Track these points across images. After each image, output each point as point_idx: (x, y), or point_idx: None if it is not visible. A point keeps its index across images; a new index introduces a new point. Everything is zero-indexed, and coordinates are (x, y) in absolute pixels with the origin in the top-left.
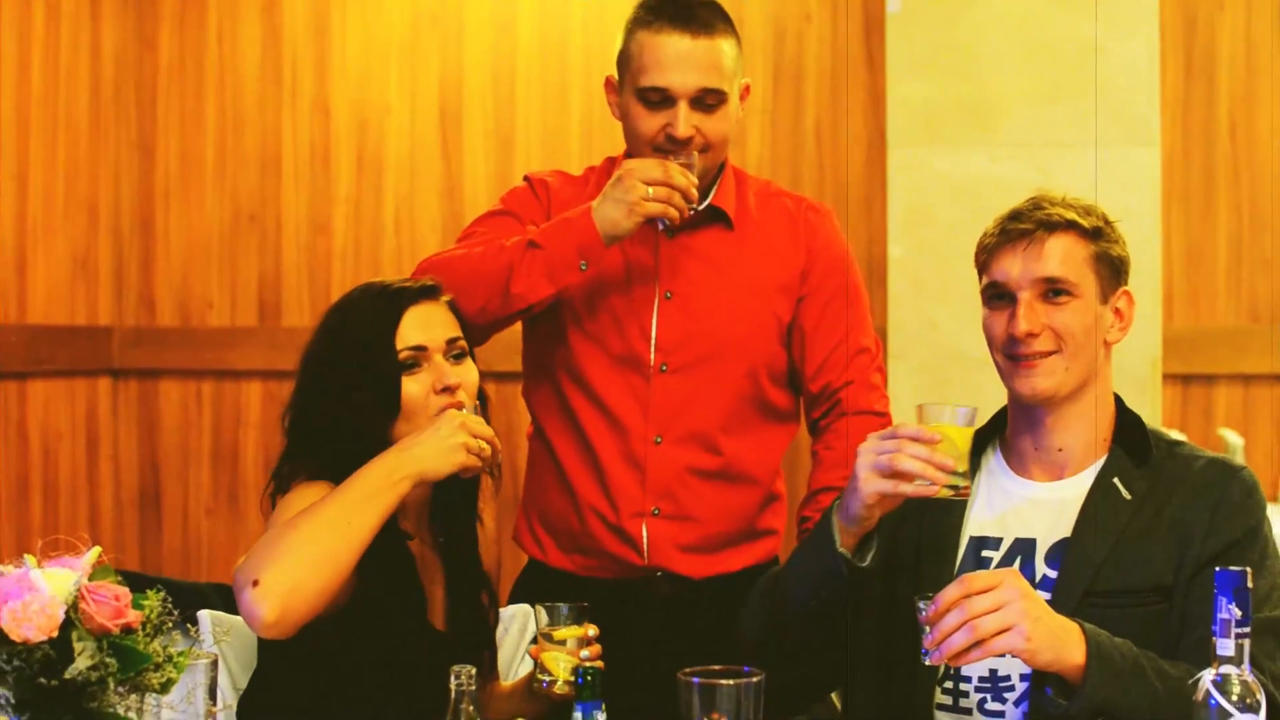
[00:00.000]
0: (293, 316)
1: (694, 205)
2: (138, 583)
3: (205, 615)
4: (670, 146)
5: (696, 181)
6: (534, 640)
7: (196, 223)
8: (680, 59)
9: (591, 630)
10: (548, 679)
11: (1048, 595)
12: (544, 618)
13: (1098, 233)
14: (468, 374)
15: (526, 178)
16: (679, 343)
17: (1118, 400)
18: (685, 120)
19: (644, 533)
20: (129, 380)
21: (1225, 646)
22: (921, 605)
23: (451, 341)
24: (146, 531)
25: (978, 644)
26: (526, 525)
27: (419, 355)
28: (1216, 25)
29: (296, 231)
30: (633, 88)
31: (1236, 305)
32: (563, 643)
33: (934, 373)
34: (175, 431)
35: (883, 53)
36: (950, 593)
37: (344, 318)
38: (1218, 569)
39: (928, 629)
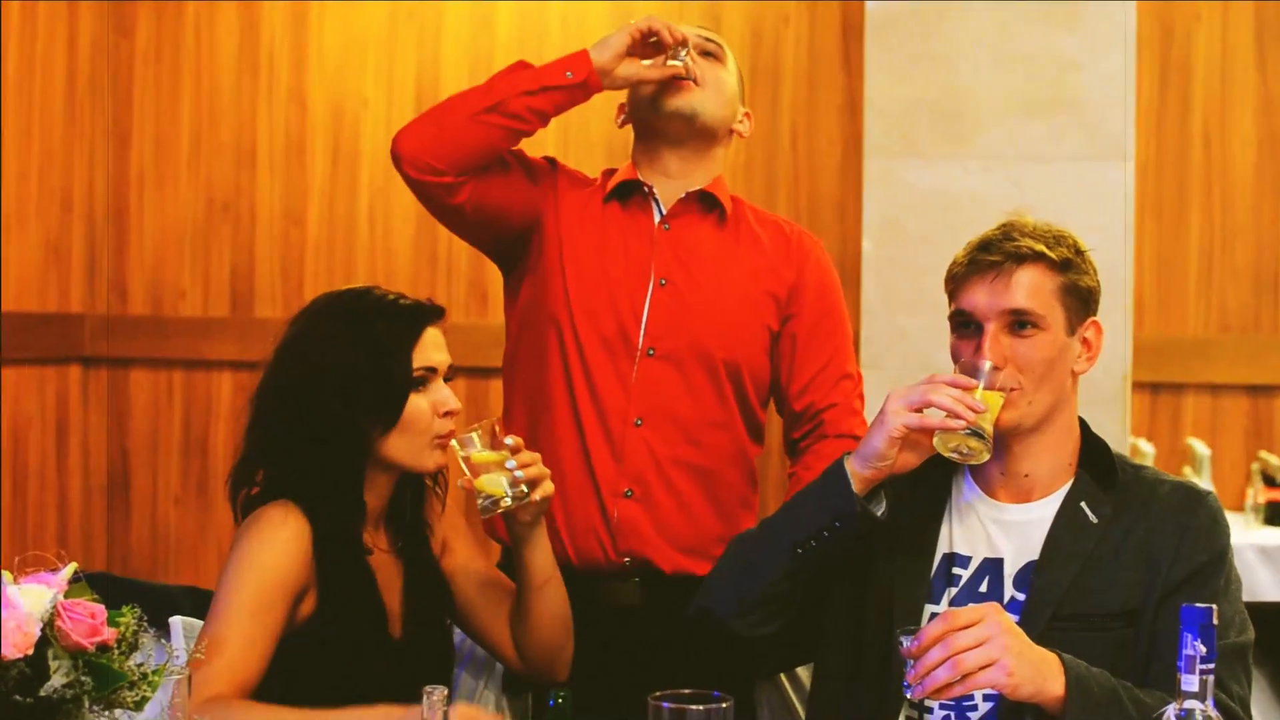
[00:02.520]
0: (265, 307)
1: (660, 208)
2: (107, 585)
3: (177, 622)
4: (668, 82)
5: (693, 68)
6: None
7: (170, 212)
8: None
9: (510, 440)
10: (489, 501)
11: (1016, 618)
12: (460, 450)
13: (1067, 264)
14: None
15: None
16: (669, 329)
17: (1083, 424)
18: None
19: (615, 514)
20: (100, 368)
21: (1190, 682)
22: (904, 640)
23: (451, 367)
24: (115, 520)
25: (961, 679)
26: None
27: (429, 375)
28: (1193, 35)
29: (270, 222)
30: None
31: (1206, 315)
32: (475, 470)
33: (905, 382)
34: (145, 420)
35: (860, 56)
36: (933, 629)
37: (360, 326)
38: (1183, 605)
39: (911, 663)
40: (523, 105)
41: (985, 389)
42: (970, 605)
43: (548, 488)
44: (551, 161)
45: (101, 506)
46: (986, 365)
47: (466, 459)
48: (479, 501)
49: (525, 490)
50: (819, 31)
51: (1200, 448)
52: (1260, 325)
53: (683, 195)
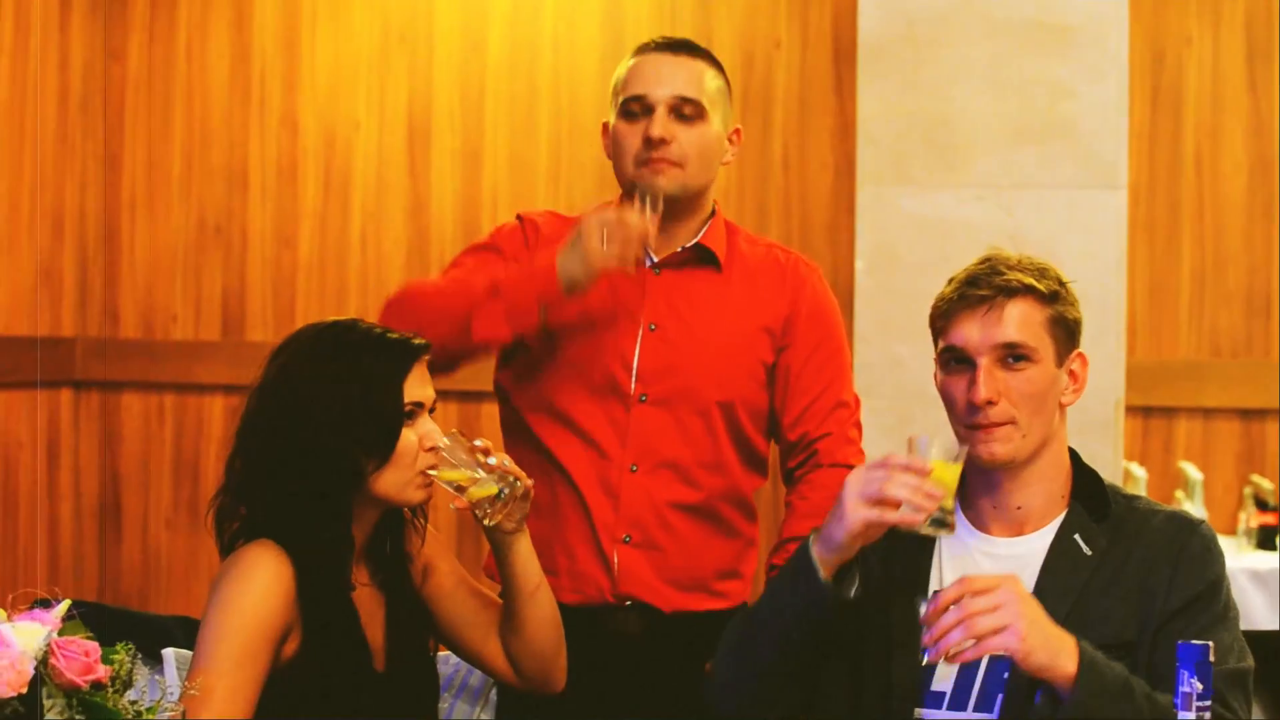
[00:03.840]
0: (256, 331)
1: (651, 256)
2: (99, 615)
3: (170, 654)
4: (649, 154)
5: (655, 229)
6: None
7: (162, 235)
8: (659, 69)
9: (479, 441)
10: (486, 503)
11: None
12: (440, 472)
13: (1055, 296)
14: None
15: (519, 216)
16: (660, 374)
17: (1074, 455)
18: (661, 121)
19: (615, 559)
20: (91, 392)
21: (1187, 718)
22: (922, 606)
23: (435, 402)
24: (106, 543)
25: (974, 643)
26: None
27: (417, 410)
28: (1184, 59)
29: (262, 246)
30: (617, 109)
31: (1198, 339)
32: (462, 487)
33: (899, 412)
34: (136, 444)
35: (852, 79)
36: (949, 592)
37: (350, 360)
38: (1180, 643)
39: (926, 628)
40: (496, 340)
41: (941, 459)
42: (987, 574)
43: (527, 479)
44: (522, 223)
45: (93, 530)
46: (927, 440)
47: (451, 481)
48: (476, 512)
49: (514, 479)
50: (810, 55)
51: (1192, 471)
52: (1252, 348)
53: (678, 250)
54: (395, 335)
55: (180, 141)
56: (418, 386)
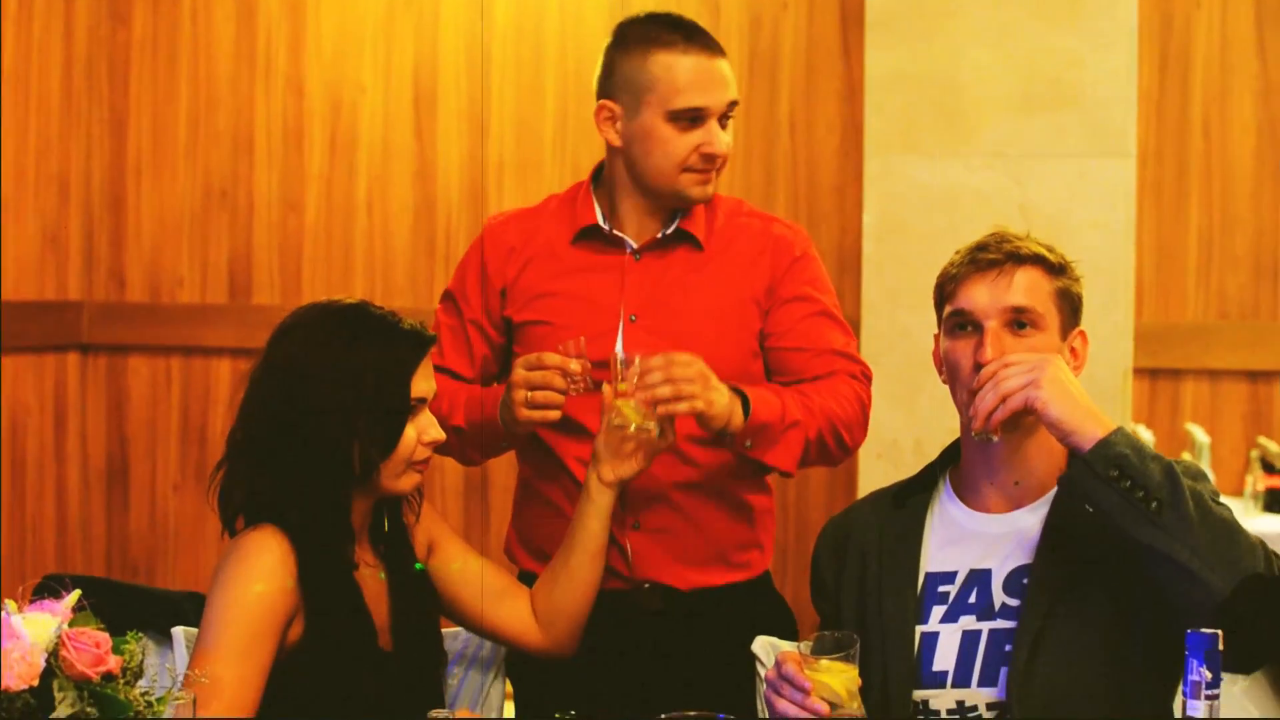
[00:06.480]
0: (263, 295)
1: (631, 242)
2: (108, 590)
3: (179, 633)
4: (704, 166)
5: (587, 368)
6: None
7: (168, 199)
8: (713, 77)
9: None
10: (620, 422)
11: (1012, 624)
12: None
13: (1062, 269)
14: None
15: (484, 224)
16: None
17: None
18: (722, 136)
19: (629, 546)
20: (98, 356)
21: (1195, 708)
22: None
23: (435, 395)
24: (113, 507)
25: (1002, 402)
26: (519, 539)
27: (419, 406)
28: (1193, 23)
29: (268, 210)
30: (663, 111)
31: (1206, 301)
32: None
33: (906, 380)
34: (144, 408)
35: (860, 42)
36: (990, 367)
37: (359, 350)
38: (1189, 631)
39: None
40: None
41: (831, 660)
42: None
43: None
44: (483, 244)
45: (100, 494)
46: (834, 644)
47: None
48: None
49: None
50: (818, 17)
51: (1199, 434)
52: (1259, 311)
53: (659, 236)
54: (406, 326)
55: (186, 105)
56: (423, 381)
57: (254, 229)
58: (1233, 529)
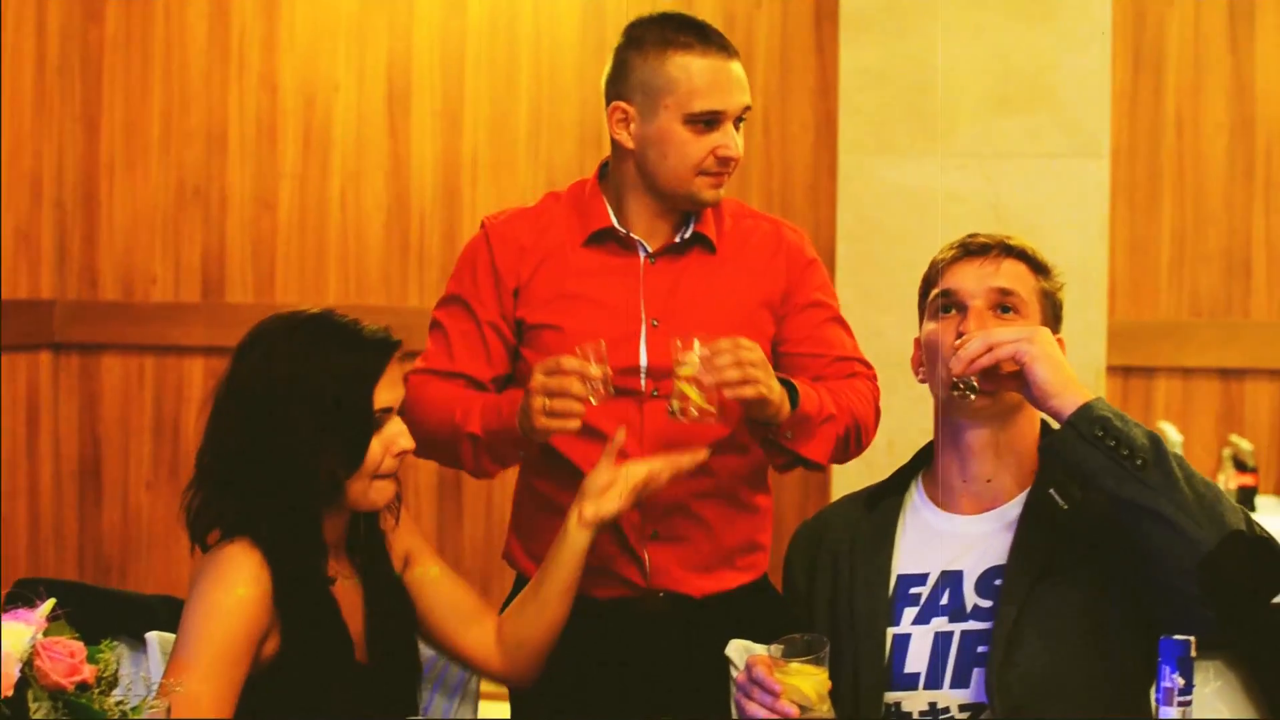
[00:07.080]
0: (236, 293)
1: (645, 246)
2: (82, 595)
3: (154, 639)
4: (719, 169)
5: (607, 373)
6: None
7: (140, 197)
8: (730, 80)
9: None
10: (681, 406)
11: (984, 625)
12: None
13: (1046, 270)
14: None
15: (483, 224)
16: (669, 370)
17: (1044, 426)
18: (736, 139)
19: (646, 556)
20: (70, 354)
21: (1169, 714)
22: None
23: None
24: (86, 505)
25: (989, 351)
26: (520, 544)
27: (385, 416)
28: (1166, 22)
29: (241, 207)
30: (680, 113)
31: (1178, 299)
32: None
33: (879, 381)
34: (116, 406)
35: (834, 39)
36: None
37: (322, 361)
38: (1162, 638)
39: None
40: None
41: (801, 663)
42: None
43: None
44: (488, 239)
45: (73, 493)
46: (804, 648)
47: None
48: (695, 411)
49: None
50: (792, 15)
51: (1172, 432)
52: (1231, 309)
53: (676, 240)
54: (368, 334)
55: (159, 103)
56: (388, 390)
57: (227, 227)
58: (1216, 489)
